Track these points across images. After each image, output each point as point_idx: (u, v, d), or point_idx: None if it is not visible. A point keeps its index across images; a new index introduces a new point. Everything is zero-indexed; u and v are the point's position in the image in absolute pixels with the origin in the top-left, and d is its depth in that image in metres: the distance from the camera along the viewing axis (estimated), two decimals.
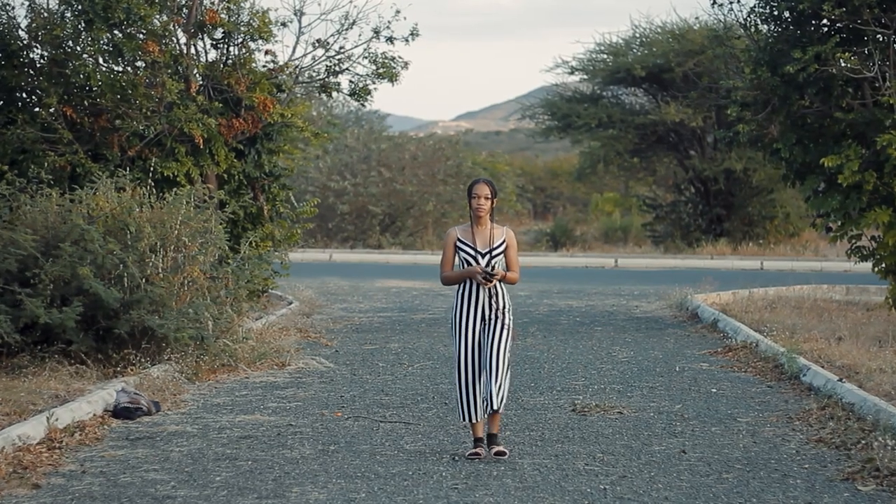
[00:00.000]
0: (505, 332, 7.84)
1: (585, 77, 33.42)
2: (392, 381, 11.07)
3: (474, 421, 7.88)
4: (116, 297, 10.60)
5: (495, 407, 7.73)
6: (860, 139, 13.82)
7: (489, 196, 7.92)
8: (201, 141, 14.07)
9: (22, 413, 8.55)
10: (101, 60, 14.27)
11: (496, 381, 7.74)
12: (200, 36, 14.95)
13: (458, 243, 7.94)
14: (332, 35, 15.67)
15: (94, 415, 8.97)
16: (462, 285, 7.91)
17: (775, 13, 14.28)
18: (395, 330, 14.95)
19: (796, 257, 29.31)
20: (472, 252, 7.89)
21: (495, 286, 7.85)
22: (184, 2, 14.68)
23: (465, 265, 7.91)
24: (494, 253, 7.90)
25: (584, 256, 30.36)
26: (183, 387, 10.37)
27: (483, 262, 7.86)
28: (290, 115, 15.14)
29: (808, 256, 29.64)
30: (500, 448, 7.79)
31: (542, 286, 21.22)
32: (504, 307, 7.87)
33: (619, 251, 31.98)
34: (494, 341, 7.80)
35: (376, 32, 15.54)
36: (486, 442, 7.87)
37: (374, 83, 15.67)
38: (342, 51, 15.65)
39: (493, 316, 7.84)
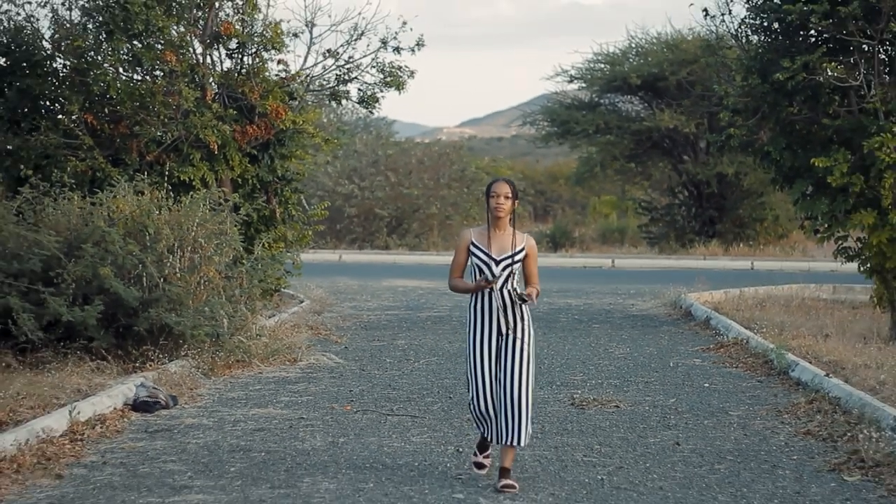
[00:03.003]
0: (525, 353, 6.80)
1: (584, 85, 33.40)
2: (399, 376, 11.07)
3: (489, 440, 7.01)
4: (136, 296, 10.61)
5: (517, 444, 6.80)
6: (847, 145, 13.78)
7: (510, 195, 6.92)
8: (216, 147, 14.06)
9: (45, 406, 8.57)
10: (120, 70, 14.26)
11: (515, 414, 6.75)
12: (216, 46, 14.93)
13: (472, 247, 6.88)
14: (341, 45, 15.64)
15: (115, 408, 8.99)
16: (474, 295, 6.90)
17: (765, 24, 14.25)
18: (402, 327, 14.96)
19: (785, 258, 29.26)
20: (487, 258, 6.85)
21: (512, 300, 6.84)
22: (200, 14, 14.68)
23: (478, 272, 6.86)
24: (513, 261, 6.88)
25: (582, 257, 30.32)
26: (199, 381, 10.39)
27: (498, 269, 6.83)
28: (301, 122, 15.11)
29: (796, 257, 29.60)
30: (510, 482, 6.80)
31: (542, 285, 21.02)
32: (521, 322, 6.88)
33: (615, 252, 31.94)
34: (516, 366, 6.78)
35: (384, 43, 15.52)
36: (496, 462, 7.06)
37: (381, 91, 15.64)
38: (351, 60, 15.62)
39: (509, 332, 6.83)
